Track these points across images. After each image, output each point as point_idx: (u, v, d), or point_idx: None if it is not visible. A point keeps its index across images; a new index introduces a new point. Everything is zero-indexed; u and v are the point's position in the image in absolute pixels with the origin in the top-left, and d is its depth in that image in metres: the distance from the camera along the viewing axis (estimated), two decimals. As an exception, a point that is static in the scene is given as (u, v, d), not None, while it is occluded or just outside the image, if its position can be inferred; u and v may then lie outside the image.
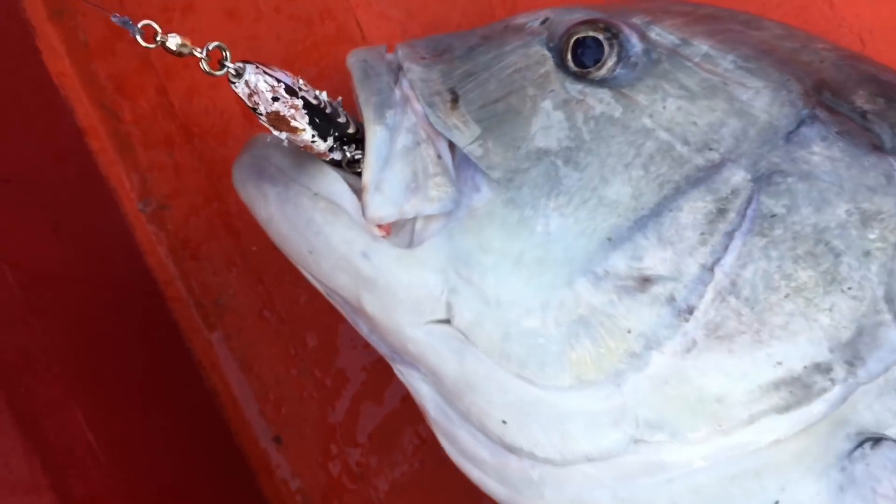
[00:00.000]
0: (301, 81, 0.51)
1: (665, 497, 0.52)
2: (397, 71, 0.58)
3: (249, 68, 0.48)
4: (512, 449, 0.55)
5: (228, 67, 0.48)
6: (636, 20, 0.58)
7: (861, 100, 0.55)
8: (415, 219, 0.55)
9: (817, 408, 0.49)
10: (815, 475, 0.50)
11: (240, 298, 0.83)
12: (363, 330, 0.62)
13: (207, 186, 0.84)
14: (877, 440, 0.50)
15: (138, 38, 0.46)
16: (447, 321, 0.53)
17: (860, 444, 0.50)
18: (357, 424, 0.82)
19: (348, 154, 0.55)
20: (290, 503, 0.81)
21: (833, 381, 0.49)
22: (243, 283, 0.83)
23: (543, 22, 0.59)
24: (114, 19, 0.44)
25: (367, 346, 0.63)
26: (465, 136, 0.54)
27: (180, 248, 0.84)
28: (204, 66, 0.47)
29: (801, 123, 0.54)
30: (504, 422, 0.54)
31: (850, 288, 0.49)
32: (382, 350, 0.61)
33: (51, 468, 0.59)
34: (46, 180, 0.74)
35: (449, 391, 0.57)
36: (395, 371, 0.61)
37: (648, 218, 0.51)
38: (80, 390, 0.66)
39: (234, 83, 0.48)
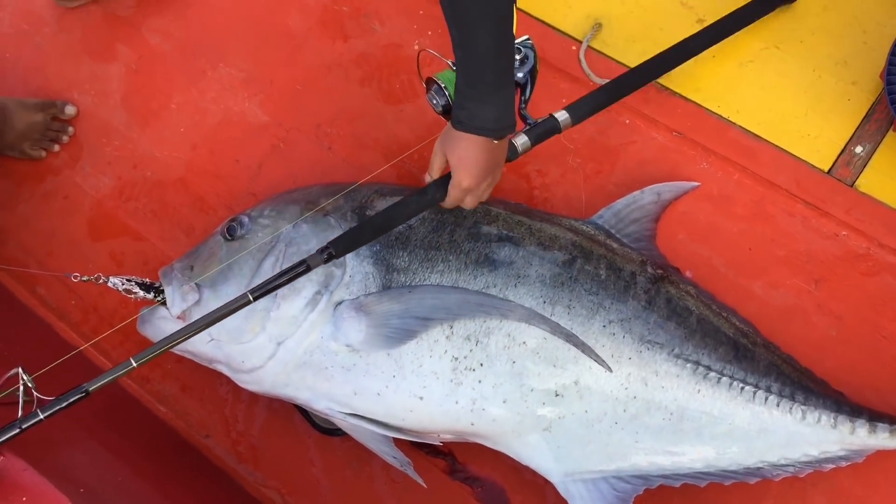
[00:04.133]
0: (135, 278, 1.57)
1: (298, 357, 1.52)
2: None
3: (113, 279, 1.53)
4: (250, 370, 1.55)
5: (105, 281, 1.53)
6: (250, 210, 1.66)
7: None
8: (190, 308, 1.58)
9: (321, 304, 1.51)
10: (329, 323, 1.51)
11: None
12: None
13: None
14: (341, 302, 1.51)
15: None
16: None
17: (337, 307, 1.51)
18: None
19: (161, 299, 1.60)
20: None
21: (321, 294, 1.51)
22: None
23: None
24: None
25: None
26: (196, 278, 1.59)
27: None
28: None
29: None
30: (243, 362, 1.55)
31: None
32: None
33: None
34: None
35: (229, 364, 1.58)
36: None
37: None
38: None
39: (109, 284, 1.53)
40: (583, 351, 1.48)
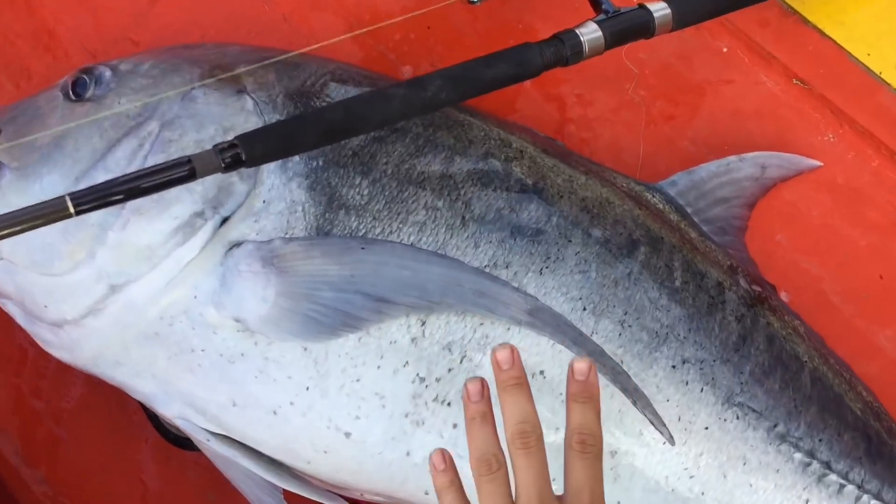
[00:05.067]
0: None
1: (147, 322, 0.86)
2: None
3: None
4: (56, 323, 0.88)
5: None
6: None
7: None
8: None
9: (201, 236, 0.85)
10: (211, 274, 0.85)
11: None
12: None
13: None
14: (239, 244, 0.86)
15: None
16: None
17: (230, 249, 0.85)
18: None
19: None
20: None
21: (206, 219, 0.85)
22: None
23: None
24: None
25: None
26: None
27: None
28: None
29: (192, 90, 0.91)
30: (45, 306, 0.88)
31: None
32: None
33: None
34: None
35: (23, 305, 0.90)
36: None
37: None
38: None
39: None
40: (635, 402, 0.87)
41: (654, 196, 1.05)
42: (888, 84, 1.17)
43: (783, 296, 1.10)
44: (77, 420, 1.10)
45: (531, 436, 0.64)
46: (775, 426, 0.92)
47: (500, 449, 0.65)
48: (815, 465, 0.92)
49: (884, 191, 1.15)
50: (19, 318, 0.95)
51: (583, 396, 0.66)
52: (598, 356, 0.87)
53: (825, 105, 1.17)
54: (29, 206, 0.73)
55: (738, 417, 0.91)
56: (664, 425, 0.87)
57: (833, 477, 0.93)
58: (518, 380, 0.65)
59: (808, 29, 1.19)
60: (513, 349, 0.66)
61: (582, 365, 0.66)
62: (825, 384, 0.97)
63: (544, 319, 0.87)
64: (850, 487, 0.93)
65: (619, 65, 1.19)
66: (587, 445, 0.65)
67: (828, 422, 0.94)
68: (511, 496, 0.64)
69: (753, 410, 0.91)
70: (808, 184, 1.15)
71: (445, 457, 0.67)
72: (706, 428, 0.90)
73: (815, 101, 1.18)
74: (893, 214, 1.14)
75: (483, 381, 0.66)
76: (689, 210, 1.06)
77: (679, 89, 1.20)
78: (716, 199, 1.08)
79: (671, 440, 0.88)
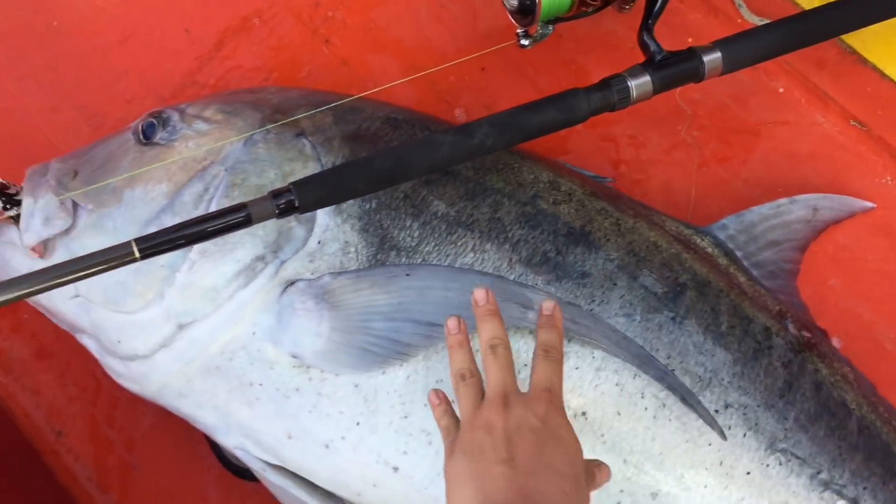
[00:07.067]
0: None
1: (209, 357, 0.91)
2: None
3: None
4: (128, 357, 0.94)
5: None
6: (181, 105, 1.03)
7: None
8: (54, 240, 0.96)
9: (261, 279, 0.89)
10: (269, 312, 0.90)
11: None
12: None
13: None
14: (292, 283, 0.90)
15: None
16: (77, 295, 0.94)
17: (286, 289, 0.90)
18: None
19: (15, 212, 0.98)
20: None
21: (266, 262, 0.89)
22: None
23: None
24: None
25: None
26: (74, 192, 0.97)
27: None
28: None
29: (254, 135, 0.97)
30: (118, 341, 0.94)
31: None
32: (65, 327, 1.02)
33: None
34: None
35: (97, 339, 0.96)
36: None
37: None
38: None
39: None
40: (683, 398, 0.88)
41: (703, 240, 1.06)
42: (950, 127, 1.16)
43: (835, 341, 1.10)
44: (147, 448, 1.16)
45: (499, 346, 0.78)
46: (819, 473, 0.92)
47: (475, 365, 0.79)
48: None
49: (942, 236, 1.13)
50: (94, 351, 1.01)
51: (548, 323, 0.80)
52: (644, 359, 0.89)
53: (883, 147, 1.17)
54: (98, 251, 0.79)
55: (780, 463, 0.91)
56: (714, 420, 0.89)
57: (878, 527, 0.92)
58: (491, 310, 0.80)
59: (866, 69, 1.19)
60: (487, 290, 0.81)
61: (548, 303, 0.81)
62: (872, 432, 0.96)
63: (588, 325, 0.90)
64: (896, 539, 0.92)
65: (673, 104, 1.20)
66: (550, 352, 0.78)
67: (873, 470, 0.94)
68: (482, 395, 0.77)
69: (797, 457, 0.91)
70: (863, 227, 1.15)
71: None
72: (748, 473, 0.90)
73: (872, 142, 1.17)
74: (952, 261, 1.13)
75: (459, 318, 0.81)
76: (739, 254, 1.07)
77: (733, 130, 1.21)
78: (767, 242, 1.08)
79: (722, 434, 0.89)
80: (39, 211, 0.98)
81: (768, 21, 1.12)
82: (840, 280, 1.13)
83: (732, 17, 1.21)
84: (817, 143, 1.18)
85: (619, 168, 1.20)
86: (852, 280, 1.14)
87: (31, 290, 0.78)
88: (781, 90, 1.20)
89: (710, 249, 1.06)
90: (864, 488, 0.93)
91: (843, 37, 1.17)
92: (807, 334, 1.01)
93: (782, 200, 1.10)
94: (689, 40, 1.21)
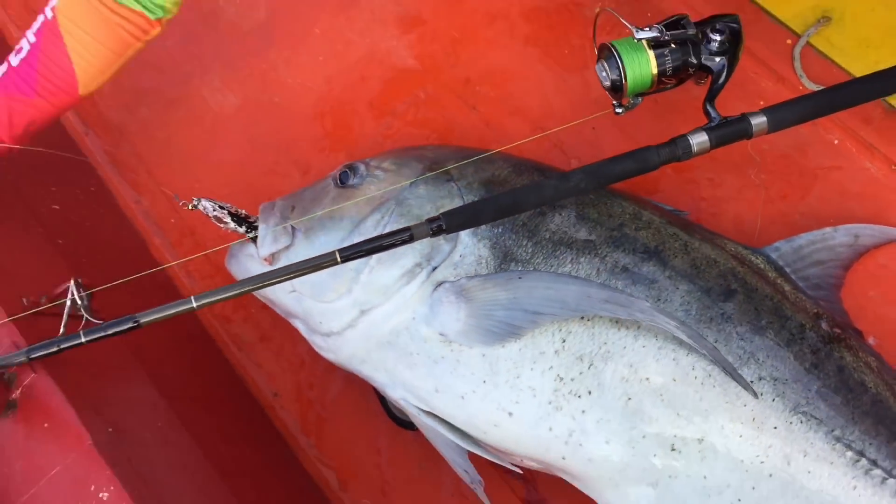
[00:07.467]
0: (228, 204, 1.40)
1: (382, 334, 1.31)
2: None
3: (205, 202, 1.37)
4: (327, 334, 1.35)
5: (196, 204, 1.37)
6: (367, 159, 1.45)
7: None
8: (279, 253, 1.40)
9: (419, 279, 1.29)
10: (424, 303, 1.28)
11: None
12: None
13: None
14: (442, 283, 1.28)
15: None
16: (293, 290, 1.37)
17: (436, 287, 1.28)
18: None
19: (253, 234, 1.43)
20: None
21: (422, 268, 1.29)
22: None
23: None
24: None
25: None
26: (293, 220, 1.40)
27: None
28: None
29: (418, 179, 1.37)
30: (321, 322, 1.35)
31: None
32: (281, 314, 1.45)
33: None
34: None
35: (306, 322, 1.39)
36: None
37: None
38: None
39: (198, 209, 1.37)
40: (724, 368, 1.18)
41: (757, 258, 1.36)
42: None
43: (871, 340, 1.36)
44: (335, 407, 1.58)
45: None
46: (833, 431, 1.19)
47: None
48: (864, 461, 1.18)
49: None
50: (303, 332, 1.43)
51: None
52: (697, 339, 1.19)
53: (919, 187, 1.43)
54: (310, 258, 1.19)
55: (801, 422, 1.19)
56: (749, 385, 1.19)
57: (878, 472, 1.18)
58: None
59: (905, 124, 1.45)
60: None
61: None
62: (885, 405, 1.22)
63: (653, 314, 1.20)
64: (891, 481, 1.18)
65: (746, 153, 1.51)
66: None
67: (880, 431, 1.20)
68: None
69: (815, 418, 1.19)
70: (900, 250, 1.40)
71: None
72: (775, 427, 1.19)
73: (911, 184, 1.43)
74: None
75: None
76: (787, 270, 1.36)
77: (795, 173, 1.50)
78: (813, 261, 1.37)
79: (754, 394, 1.19)
80: (270, 233, 1.42)
81: (822, 87, 1.42)
82: (879, 291, 1.39)
83: (795, 85, 1.51)
84: (864, 184, 1.45)
85: (699, 204, 1.52)
86: (891, 291, 1.39)
87: (265, 283, 1.20)
88: (836, 141, 1.48)
89: (762, 265, 1.35)
90: (870, 444, 1.19)
91: (888, 98, 1.44)
92: (837, 331, 1.28)
93: (827, 229, 1.38)
94: (761, 103, 1.51)
